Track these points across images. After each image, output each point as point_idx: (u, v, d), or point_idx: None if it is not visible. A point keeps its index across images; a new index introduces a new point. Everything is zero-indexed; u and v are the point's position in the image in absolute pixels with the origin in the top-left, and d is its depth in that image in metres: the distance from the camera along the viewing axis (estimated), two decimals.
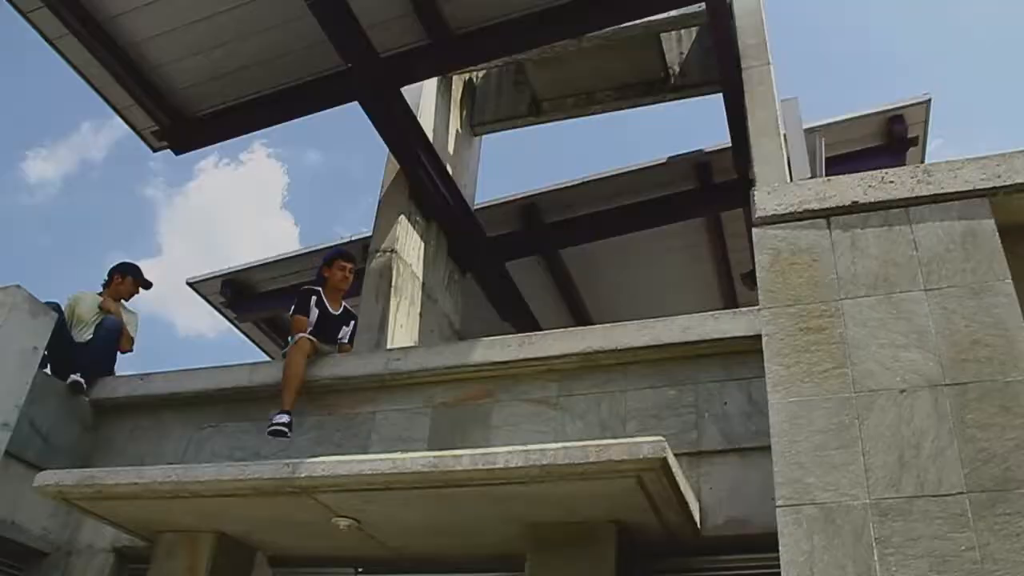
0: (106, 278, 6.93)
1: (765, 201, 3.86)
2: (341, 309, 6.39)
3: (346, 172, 39.03)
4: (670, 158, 9.36)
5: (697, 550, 4.41)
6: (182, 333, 37.03)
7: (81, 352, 6.39)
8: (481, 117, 9.80)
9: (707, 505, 4.36)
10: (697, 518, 4.25)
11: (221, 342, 34.04)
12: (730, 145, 8.27)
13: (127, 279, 6.93)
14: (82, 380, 6.12)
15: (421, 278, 8.01)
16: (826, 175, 6.32)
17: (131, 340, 6.74)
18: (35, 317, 5.61)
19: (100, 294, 6.81)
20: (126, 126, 8.02)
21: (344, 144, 41.23)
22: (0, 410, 5.18)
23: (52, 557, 5.66)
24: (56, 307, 6.27)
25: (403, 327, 7.40)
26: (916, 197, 3.62)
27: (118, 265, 7.01)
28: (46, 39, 7.16)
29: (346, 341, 6.36)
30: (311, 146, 42.69)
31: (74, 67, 7.41)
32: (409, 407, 5.38)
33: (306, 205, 41.51)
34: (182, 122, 8.00)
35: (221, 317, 11.50)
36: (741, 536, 4.25)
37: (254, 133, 8.48)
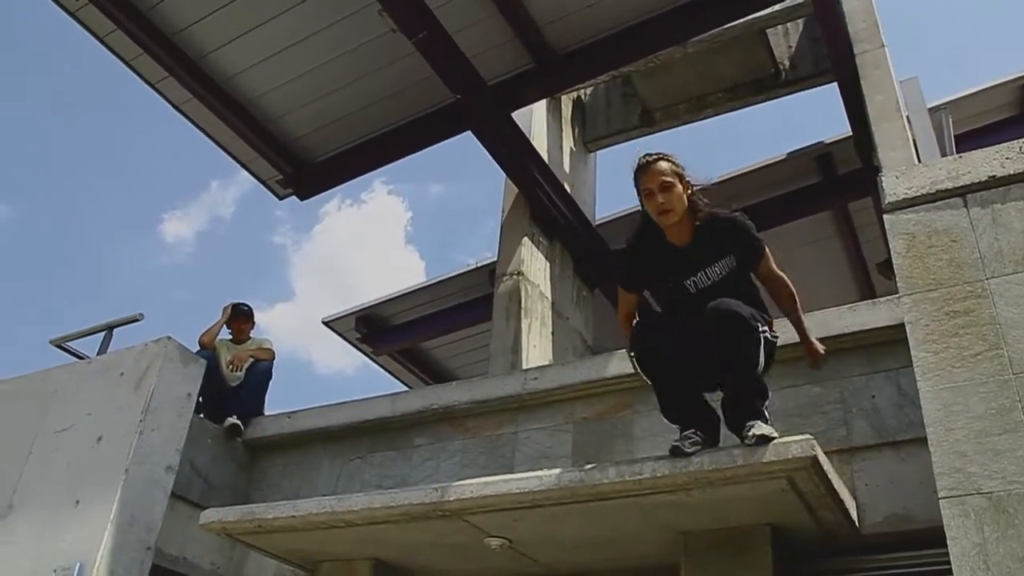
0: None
1: (894, 185, 3.74)
2: None
3: (467, 201, 39.66)
4: (789, 154, 9.15)
5: (858, 549, 4.25)
6: (321, 371, 38.20)
7: (233, 395, 6.73)
8: (593, 133, 9.79)
9: (864, 502, 4.21)
10: (855, 516, 4.10)
11: (359, 377, 35.01)
12: (850, 134, 8.03)
13: (225, 323, 7.24)
14: (239, 422, 6.42)
15: (550, 297, 8.05)
16: (957, 153, 6.09)
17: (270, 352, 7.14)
18: (186, 366, 5.90)
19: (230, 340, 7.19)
20: (252, 180, 8.43)
21: (463, 173, 41.92)
22: (164, 455, 5.46)
23: None
24: (205, 355, 6.59)
25: (536, 347, 7.44)
26: None
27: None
28: (173, 105, 7.60)
29: None
30: (430, 179, 43.58)
31: (200, 128, 7.82)
32: (550, 424, 5.42)
33: (430, 236, 42.35)
34: (303, 168, 8.31)
35: (358, 352, 11.82)
36: (904, 532, 4.09)
37: (373, 172, 8.70)
